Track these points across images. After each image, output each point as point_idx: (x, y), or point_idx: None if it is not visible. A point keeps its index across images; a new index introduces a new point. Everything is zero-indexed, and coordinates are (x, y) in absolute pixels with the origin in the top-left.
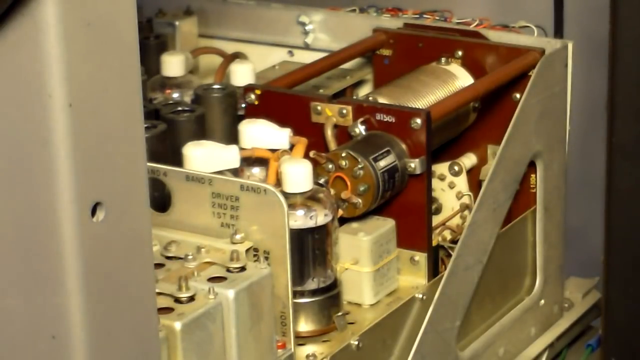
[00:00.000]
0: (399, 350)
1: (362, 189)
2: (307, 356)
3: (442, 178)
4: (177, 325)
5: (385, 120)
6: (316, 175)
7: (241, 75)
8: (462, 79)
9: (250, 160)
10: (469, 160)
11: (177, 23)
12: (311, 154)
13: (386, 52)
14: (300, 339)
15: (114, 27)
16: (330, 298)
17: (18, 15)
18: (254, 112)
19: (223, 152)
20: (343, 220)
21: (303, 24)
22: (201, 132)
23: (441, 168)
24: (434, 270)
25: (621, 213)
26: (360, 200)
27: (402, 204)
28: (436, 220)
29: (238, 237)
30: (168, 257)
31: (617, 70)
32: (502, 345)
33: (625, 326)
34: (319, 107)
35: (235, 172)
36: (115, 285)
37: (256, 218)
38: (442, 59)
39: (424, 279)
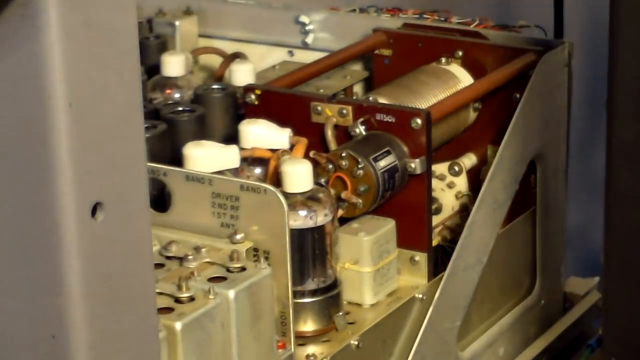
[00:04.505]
0: (399, 350)
1: (362, 189)
2: (307, 356)
3: (442, 178)
4: (178, 326)
5: (385, 120)
6: (316, 175)
7: (241, 75)
8: (462, 79)
9: (250, 160)
10: (469, 160)
11: (177, 23)
12: (311, 154)
13: (386, 52)
14: (300, 339)
15: (114, 27)
16: (330, 298)
17: (18, 16)
18: (254, 112)
19: (223, 152)
20: (343, 220)
21: (303, 24)
22: (201, 132)
23: (441, 168)
24: (434, 270)
25: (621, 213)
26: (360, 200)
27: (402, 204)
28: (436, 220)
29: (238, 237)
30: (168, 257)
31: (617, 70)
32: (502, 345)
33: (625, 326)
34: (319, 107)
35: (235, 172)
36: (116, 285)
37: (256, 218)
38: (442, 59)
39: (424, 279)
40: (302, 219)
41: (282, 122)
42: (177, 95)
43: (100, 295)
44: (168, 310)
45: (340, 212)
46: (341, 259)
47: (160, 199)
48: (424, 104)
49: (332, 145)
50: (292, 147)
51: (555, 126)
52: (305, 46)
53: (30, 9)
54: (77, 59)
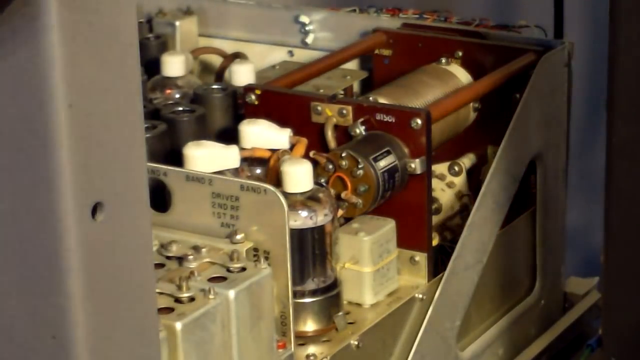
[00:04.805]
0: (399, 350)
1: (362, 189)
2: (307, 356)
3: (442, 178)
4: (178, 326)
5: (385, 120)
6: (316, 175)
7: (241, 75)
8: (462, 79)
9: (250, 160)
10: (469, 160)
11: (177, 23)
12: (311, 154)
13: (386, 52)
14: (301, 339)
15: (114, 27)
16: (330, 298)
17: (19, 16)
18: (254, 112)
19: (223, 152)
20: (343, 220)
21: (303, 24)
22: (201, 132)
23: (441, 168)
24: (434, 270)
25: (621, 213)
26: (360, 200)
27: (402, 204)
28: (436, 220)
29: (238, 237)
30: (168, 257)
31: (617, 70)
32: (502, 345)
33: (625, 326)
34: (319, 107)
35: (235, 172)
36: (116, 285)
37: (256, 218)
38: (442, 59)
39: (424, 279)
40: (302, 219)
41: (282, 122)
42: (177, 95)
43: (100, 295)
44: (168, 310)
45: (340, 212)
46: (341, 259)
47: (161, 199)
48: (424, 104)
49: (332, 145)
50: (292, 147)
51: (555, 126)
52: (305, 46)
53: (31, 9)
54: (77, 59)
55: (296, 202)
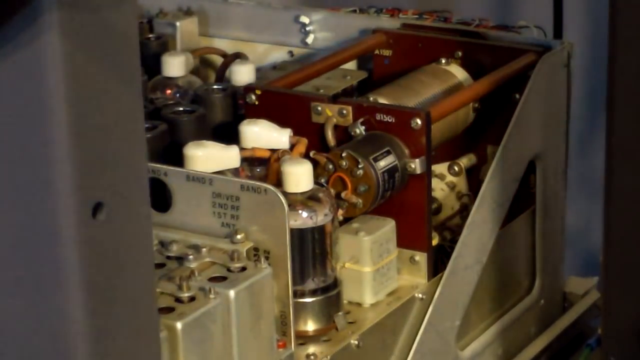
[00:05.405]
0: (399, 350)
1: (362, 189)
2: (307, 356)
3: (442, 178)
4: (178, 325)
5: (385, 120)
6: (316, 175)
7: (241, 75)
8: (462, 79)
9: (250, 160)
10: (468, 160)
11: (177, 23)
12: (311, 154)
13: (386, 52)
14: (301, 339)
15: (114, 27)
16: (330, 298)
17: (19, 15)
18: (254, 112)
19: (223, 152)
20: (343, 220)
21: (303, 24)
22: (202, 132)
23: (441, 168)
24: (434, 270)
25: (621, 213)
26: (360, 200)
27: (402, 204)
28: (436, 220)
29: (238, 237)
30: (168, 257)
31: (617, 70)
32: (502, 344)
33: (625, 326)
34: (319, 107)
35: (236, 172)
36: (116, 285)
37: (256, 218)
38: (442, 59)
39: (424, 279)
40: (302, 219)
41: (282, 122)
42: (177, 95)
43: (100, 295)
44: (169, 310)
45: (340, 212)
46: (341, 259)
47: (161, 199)
48: (423, 104)
49: (332, 145)
50: (292, 147)
51: (555, 126)
52: (305, 46)
53: (31, 9)
54: (77, 59)
55: (296, 202)
